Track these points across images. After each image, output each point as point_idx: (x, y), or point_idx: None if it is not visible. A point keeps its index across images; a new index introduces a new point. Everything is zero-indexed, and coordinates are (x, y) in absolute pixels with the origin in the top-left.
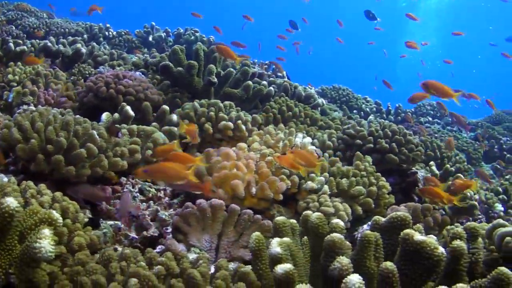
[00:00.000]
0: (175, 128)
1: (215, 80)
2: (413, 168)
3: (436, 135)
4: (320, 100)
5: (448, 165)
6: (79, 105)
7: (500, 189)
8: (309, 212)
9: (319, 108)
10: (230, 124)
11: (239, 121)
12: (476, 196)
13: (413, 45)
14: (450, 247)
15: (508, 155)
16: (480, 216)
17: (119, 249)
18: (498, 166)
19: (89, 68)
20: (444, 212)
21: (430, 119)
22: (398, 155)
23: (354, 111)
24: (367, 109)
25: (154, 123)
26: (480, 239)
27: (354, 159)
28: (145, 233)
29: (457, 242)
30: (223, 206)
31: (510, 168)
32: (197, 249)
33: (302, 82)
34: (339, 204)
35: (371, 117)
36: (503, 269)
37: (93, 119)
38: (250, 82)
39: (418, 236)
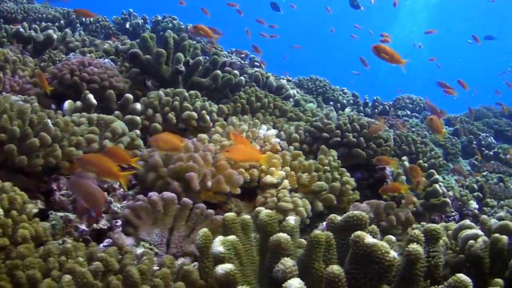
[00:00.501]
0: (137, 118)
1: (183, 68)
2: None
3: (413, 129)
4: (292, 91)
5: (421, 161)
6: (45, 92)
7: (476, 186)
8: (260, 208)
9: (291, 99)
10: (194, 114)
11: (204, 111)
12: (450, 193)
13: (386, 39)
14: (406, 251)
15: (486, 151)
16: (453, 213)
17: (69, 241)
18: (476, 162)
19: (59, 55)
20: (414, 208)
21: (409, 112)
22: (366, 149)
23: (331, 102)
24: (344, 101)
25: (117, 112)
26: (442, 241)
27: (318, 153)
28: (95, 225)
29: (413, 246)
30: (175, 200)
31: (488, 164)
32: (147, 243)
33: (281, 70)
34: (298, 200)
35: (347, 109)
36: (461, 276)
37: (58, 107)
38: (218, 72)
39: (369, 239)
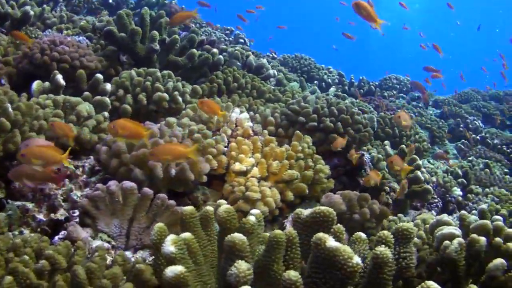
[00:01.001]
0: (106, 99)
1: (157, 47)
2: (362, 149)
3: (398, 110)
4: (272, 71)
5: (403, 146)
6: (17, 72)
7: (460, 172)
8: (221, 201)
9: (271, 79)
10: (165, 96)
11: (176, 93)
12: (434, 179)
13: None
14: (373, 254)
15: (474, 135)
16: (436, 200)
17: (26, 232)
18: (462, 146)
19: (36, 31)
20: (394, 195)
21: (395, 93)
22: (343, 135)
23: (315, 81)
24: (329, 80)
25: (86, 93)
26: (415, 240)
27: (293, 138)
28: (52, 215)
29: (381, 249)
30: (134, 190)
31: (475, 149)
32: (105, 235)
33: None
34: (266, 190)
35: (332, 88)
36: (431, 284)
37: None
38: (194, 50)
39: (331, 242)
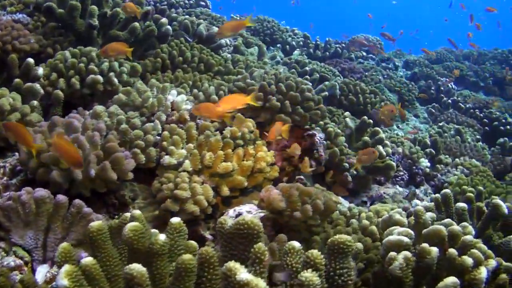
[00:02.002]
0: (37, 85)
1: (96, 23)
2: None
3: (366, 73)
4: (223, 41)
5: (365, 118)
6: None
7: (428, 142)
8: (135, 212)
9: (224, 48)
10: (99, 78)
11: (112, 74)
12: (400, 149)
13: None
14: (298, 281)
15: (445, 98)
16: (401, 173)
17: None
18: (433, 110)
19: None
20: (355, 172)
21: (364, 54)
22: (291, 114)
23: (278, 45)
24: (293, 43)
25: (17, 80)
26: (352, 255)
27: (233, 121)
28: None
29: (306, 275)
30: (46, 199)
31: (446, 113)
32: (20, 248)
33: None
34: (197, 187)
35: (296, 51)
36: None
37: None
38: (136, 23)
39: (241, 275)
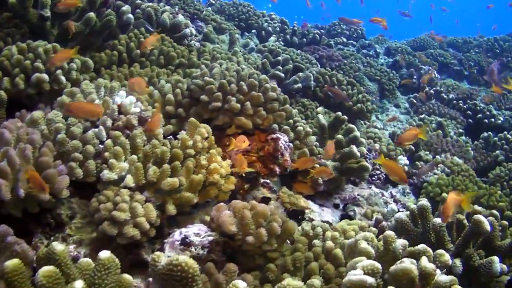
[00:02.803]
0: None
1: (48, 14)
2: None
3: (345, 60)
4: (189, 29)
5: (339, 113)
6: None
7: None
8: (55, 247)
9: (190, 38)
10: (44, 77)
11: (58, 71)
12: (377, 146)
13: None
14: None
15: (428, 88)
16: (377, 172)
17: None
18: (415, 101)
19: None
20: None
21: (344, 40)
22: (253, 117)
23: (253, 31)
24: (269, 29)
25: None
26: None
27: (186, 126)
28: None
29: None
30: None
31: (428, 104)
32: None
33: None
34: (138, 207)
35: (272, 37)
36: None
37: None
38: (91, 14)
39: None
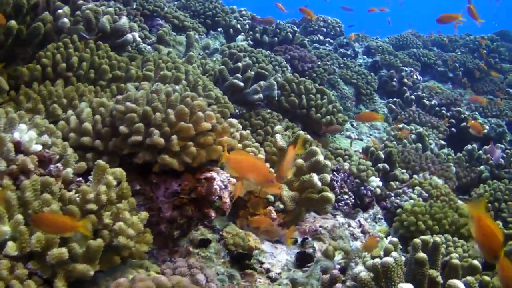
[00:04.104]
0: None
1: None
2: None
3: (319, 62)
4: (131, 35)
5: (301, 132)
6: None
7: (382, 155)
8: None
9: (136, 43)
10: None
11: None
12: (346, 165)
13: None
14: None
15: (408, 94)
16: (345, 197)
17: None
18: (394, 107)
19: None
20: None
21: (321, 38)
22: (181, 155)
23: (219, 29)
24: (238, 26)
25: None
26: None
27: (93, 172)
28: None
29: None
30: None
31: (408, 111)
32: None
33: None
34: (16, 285)
35: (241, 36)
36: None
37: None
38: (12, 22)
39: None
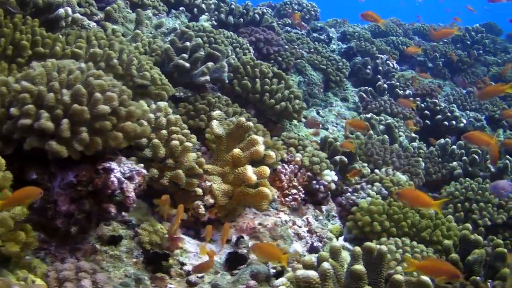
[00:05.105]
0: None
1: None
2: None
3: (287, 46)
4: (62, 10)
5: (242, 118)
6: None
7: (339, 147)
8: None
9: (68, 18)
10: None
11: None
12: (298, 157)
13: None
14: None
15: (381, 82)
16: (293, 191)
17: None
18: (364, 95)
19: None
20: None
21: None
22: (72, 141)
23: (181, 8)
24: (203, 6)
25: None
26: None
27: None
28: None
29: None
30: None
31: (377, 101)
32: None
33: None
34: None
35: (204, 16)
36: None
37: None
38: None
39: None
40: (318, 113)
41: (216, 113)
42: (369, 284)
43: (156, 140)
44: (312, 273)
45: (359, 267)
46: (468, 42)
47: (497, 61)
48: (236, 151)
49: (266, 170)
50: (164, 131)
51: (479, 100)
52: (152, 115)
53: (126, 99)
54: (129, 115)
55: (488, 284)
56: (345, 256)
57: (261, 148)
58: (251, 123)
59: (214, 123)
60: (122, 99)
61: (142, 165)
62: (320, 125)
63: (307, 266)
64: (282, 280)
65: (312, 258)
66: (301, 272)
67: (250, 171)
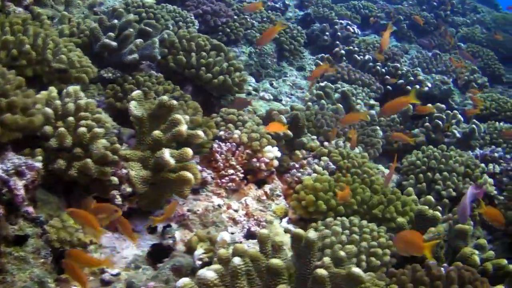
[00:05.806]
0: None
1: None
2: None
3: (236, 16)
4: None
5: (164, 97)
6: None
7: (284, 119)
8: None
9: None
10: None
11: None
12: (236, 135)
13: None
14: None
15: (338, 48)
16: (230, 172)
17: None
18: (321, 63)
19: None
20: None
21: None
22: None
23: None
24: None
25: None
26: None
27: None
28: None
29: None
30: None
31: (336, 67)
32: None
33: None
34: None
35: None
36: None
37: None
38: None
39: None
40: (271, 84)
41: (135, 93)
42: (297, 278)
43: (61, 129)
44: (210, 274)
45: (276, 261)
46: (435, 3)
47: (466, 22)
48: (156, 132)
49: (188, 151)
50: (71, 118)
51: (383, 117)
52: (58, 102)
53: (9, 89)
54: (10, 106)
55: (442, 269)
56: (286, 240)
57: (183, 127)
58: (174, 101)
59: (132, 104)
60: (4, 89)
61: (40, 158)
62: (251, 103)
63: (222, 261)
64: (184, 280)
65: (230, 250)
66: (200, 272)
67: (167, 154)
